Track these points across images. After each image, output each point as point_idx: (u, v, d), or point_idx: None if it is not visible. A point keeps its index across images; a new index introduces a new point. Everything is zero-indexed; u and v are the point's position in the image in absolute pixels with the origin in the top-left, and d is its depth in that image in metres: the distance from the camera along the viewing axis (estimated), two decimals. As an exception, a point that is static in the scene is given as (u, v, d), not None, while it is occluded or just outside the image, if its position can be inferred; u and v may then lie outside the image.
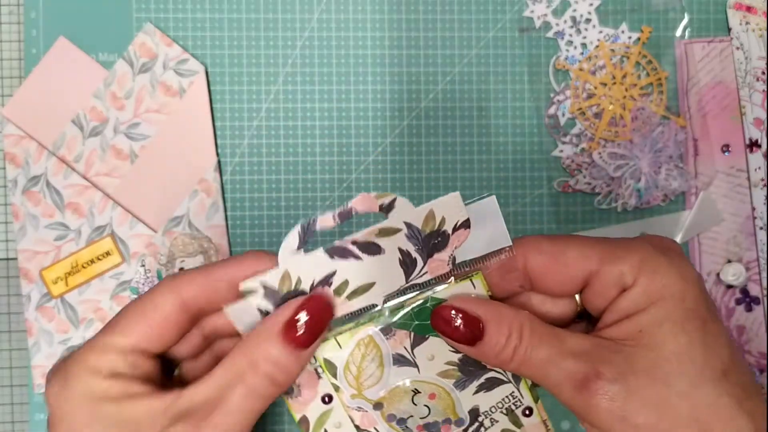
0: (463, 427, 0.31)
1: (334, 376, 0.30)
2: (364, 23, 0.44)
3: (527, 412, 0.31)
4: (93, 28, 0.43)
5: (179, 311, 0.28)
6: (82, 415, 0.27)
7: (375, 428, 0.31)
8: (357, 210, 0.28)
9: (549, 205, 0.44)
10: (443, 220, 0.28)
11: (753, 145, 0.45)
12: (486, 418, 0.31)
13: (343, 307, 0.29)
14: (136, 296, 0.42)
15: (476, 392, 0.30)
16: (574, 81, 0.44)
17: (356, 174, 0.44)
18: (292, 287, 0.28)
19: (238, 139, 0.44)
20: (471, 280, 0.29)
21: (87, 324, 0.43)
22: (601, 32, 0.44)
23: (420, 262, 0.29)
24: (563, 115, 0.44)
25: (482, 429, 0.31)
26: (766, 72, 0.45)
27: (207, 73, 0.43)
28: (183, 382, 0.29)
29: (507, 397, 0.31)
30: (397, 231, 0.28)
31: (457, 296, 0.29)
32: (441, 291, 0.29)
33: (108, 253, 0.43)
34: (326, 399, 0.30)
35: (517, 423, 0.31)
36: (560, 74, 0.44)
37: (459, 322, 0.28)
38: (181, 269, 0.43)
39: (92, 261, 0.43)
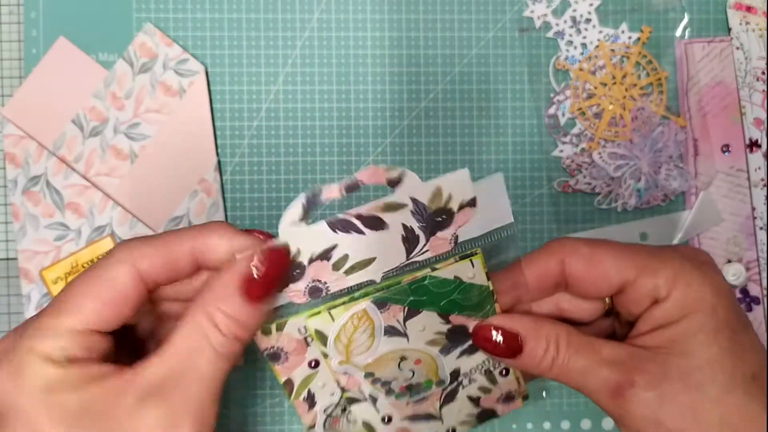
0: (443, 387, 0.31)
1: (324, 344, 0.29)
2: (364, 23, 0.44)
3: (504, 372, 0.32)
4: (93, 28, 0.43)
5: (135, 284, 0.26)
6: (39, 409, 0.25)
7: (359, 389, 0.31)
8: (364, 182, 0.27)
9: (549, 205, 0.44)
10: (450, 198, 0.28)
11: (753, 145, 0.45)
12: (465, 378, 0.32)
13: (339, 281, 0.29)
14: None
15: (459, 356, 0.31)
16: (574, 81, 0.44)
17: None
18: (291, 259, 0.27)
19: (238, 139, 0.44)
20: (471, 261, 0.29)
21: (87, 324, 0.43)
22: (601, 32, 0.44)
23: (422, 239, 0.28)
24: (563, 115, 0.44)
25: (460, 387, 0.32)
26: (766, 72, 0.45)
27: (207, 73, 0.43)
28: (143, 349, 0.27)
29: (487, 359, 0.31)
30: (403, 206, 0.28)
31: (497, 316, 0.29)
32: (440, 269, 0.29)
33: (108, 253, 0.43)
34: (312, 363, 0.30)
35: (493, 380, 0.32)
36: (560, 74, 0.44)
37: (499, 339, 0.29)
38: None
39: (92, 261, 0.43)
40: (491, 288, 0.30)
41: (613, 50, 0.44)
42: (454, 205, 0.28)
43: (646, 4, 0.45)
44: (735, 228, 0.44)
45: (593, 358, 0.27)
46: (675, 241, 0.44)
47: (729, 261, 0.44)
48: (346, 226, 0.27)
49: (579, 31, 0.44)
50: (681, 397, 0.26)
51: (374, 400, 0.31)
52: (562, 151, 0.44)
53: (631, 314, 0.29)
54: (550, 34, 0.44)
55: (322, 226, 0.27)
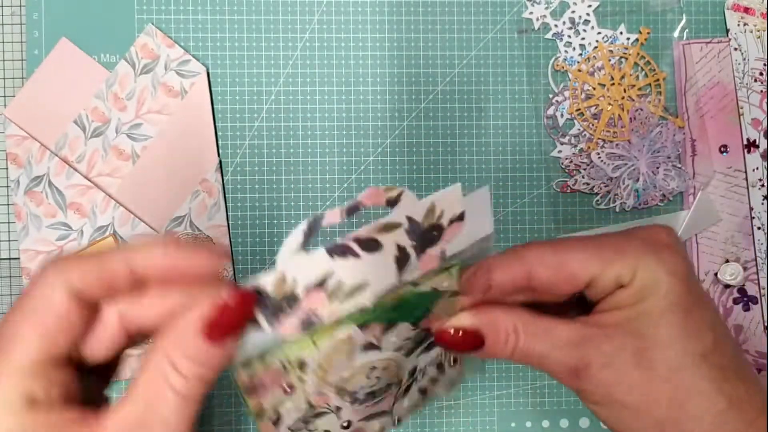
0: (402, 387, 0.32)
1: (303, 371, 0.29)
2: (364, 24, 0.44)
3: (452, 362, 0.33)
4: (95, 29, 0.43)
5: (73, 303, 0.24)
6: None
7: (327, 404, 0.31)
8: (365, 204, 0.27)
9: (548, 205, 0.45)
10: (442, 214, 0.28)
11: (751, 145, 0.45)
12: (420, 373, 0.32)
13: (334, 311, 0.28)
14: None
15: (418, 355, 0.31)
16: (572, 82, 0.44)
17: (356, 174, 0.44)
18: (287, 291, 0.27)
19: (240, 140, 0.44)
20: (449, 271, 0.29)
21: (89, 323, 0.43)
22: (599, 33, 0.45)
23: (413, 258, 0.28)
24: (562, 115, 0.44)
25: (414, 382, 0.32)
26: (763, 72, 0.45)
27: (208, 74, 0.44)
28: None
29: (441, 353, 0.32)
30: (398, 226, 0.28)
31: (456, 317, 0.30)
32: (422, 284, 0.29)
33: (110, 253, 0.43)
34: (287, 389, 0.29)
35: (443, 371, 0.33)
36: (559, 75, 0.45)
37: (460, 336, 0.30)
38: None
39: (94, 261, 0.43)
40: (456, 289, 0.30)
41: (611, 51, 0.45)
42: (444, 221, 0.29)
43: (645, 5, 0.45)
44: (733, 228, 0.45)
45: (550, 342, 0.29)
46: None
47: (727, 260, 0.44)
48: (343, 252, 0.27)
49: (577, 33, 0.44)
50: (633, 374, 0.28)
51: (339, 409, 0.31)
52: (560, 151, 0.44)
53: (595, 298, 0.30)
54: (548, 36, 0.45)
55: (320, 253, 0.27)
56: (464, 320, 0.30)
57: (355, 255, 0.27)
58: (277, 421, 0.30)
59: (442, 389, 0.34)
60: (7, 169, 0.43)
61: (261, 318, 0.27)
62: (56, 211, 0.43)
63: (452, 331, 0.30)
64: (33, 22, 0.43)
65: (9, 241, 0.45)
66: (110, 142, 0.43)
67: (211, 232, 0.43)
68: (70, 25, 0.43)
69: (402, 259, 0.28)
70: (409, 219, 0.28)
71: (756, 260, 0.45)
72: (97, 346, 0.26)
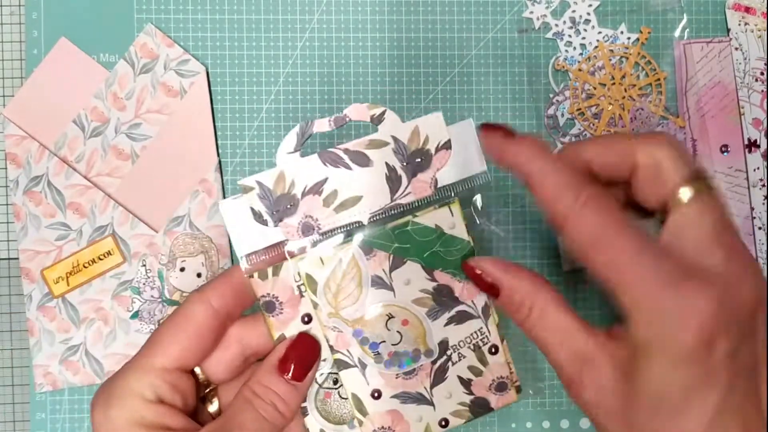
0: (431, 359, 0.32)
1: (314, 292, 0.31)
2: (364, 24, 0.44)
3: (493, 350, 0.33)
4: (94, 28, 0.43)
5: (211, 319, 0.30)
6: None
7: (348, 350, 0.32)
8: (350, 117, 0.31)
9: (548, 205, 0.45)
10: (427, 139, 0.30)
11: (751, 145, 0.45)
12: (454, 352, 0.32)
13: (330, 219, 0.30)
14: (136, 296, 0.43)
15: (447, 324, 0.32)
16: (573, 81, 0.44)
17: (356, 174, 0.44)
18: (286, 190, 0.30)
19: (239, 140, 0.44)
20: (449, 208, 0.31)
21: (88, 323, 0.43)
22: (600, 33, 0.44)
23: (405, 181, 0.31)
24: (562, 115, 0.44)
25: (450, 363, 0.32)
26: (764, 72, 0.45)
27: (208, 73, 0.44)
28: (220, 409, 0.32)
29: (475, 332, 0.32)
30: (385, 144, 0.30)
31: (487, 260, 0.31)
32: (421, 216, 0.31)
33: (109, 253, 0.43)
34: (305, 318, 0.31)
35: (483, 361, 0.32)
36: (559, 75, 0.45)
37: (479, 274, 0.30)
38: (182, 269, 0.43)
39: (93, 261, 0.43)
40: (471, 244, 0.31)
41: (612, 51, 0.44)
42: (431, 147, 0.31)
43: (645, 4, 0.45)
44: (734, 228, 0.45)
45: (557, 342, 0.29)
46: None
47: (728, 261, 0.44)
48: (335, 160, 0.30)
49: (578, 32, 0.44)
50: (620, 414, 0.27)
51: (363, 366, 0.32)
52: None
53: (648, 197, 0.29)
54: (549, 35, 0.44)
55: (314, 158, 0.30)
56: (490, 267, 0.30)
57: (347, 166, 0.30)
58: None
59: (492, 395, 0.33)
60: (6, 168, 0.43)
61: (264, 211, 0.30)
62: (55, 211, 0.43)
63: (475, 270, 0.30)
64: (32, 22, 0.43)
65: (8, 241, 0.44)
66: (109, 142, 0.43)
67: (210, 232, 0.43)
68: (70, 25, 0.43)
69: (393, 180, 0.31)
70: (395, 139, 0.30)
71: (757, 260, 0.44)
72: (218, 366, 0.31)
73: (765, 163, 0.45)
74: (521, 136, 0.29)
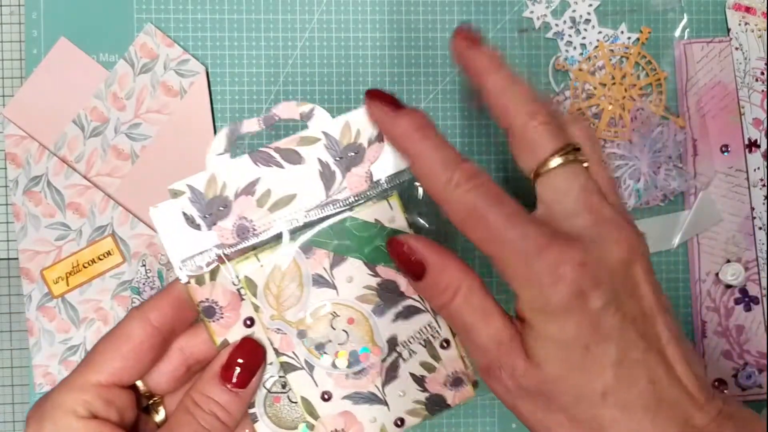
0: (381, 357, 0.31)
1: (255, 295, 0.30)
2: (364, 24, 0.44)
3: (445, 344, 0.32)
4: (94, 28, 0.43)
5: (150, 336, 0.30)
6: None
7: (293, 352, 0.31)
8: (279, 116, 0.30)
9: (548, 205, 0.44)
10: (359, 133, 0.30)
11: (752, 145, 0.45)
12: (404, 348, 0.31)
13: (265, 219, 0.30)
14: (136, 296, 0.43)
15: (394, 320, 0.31)
16: (573, 81, 0.44)
17: (356, 174, 0.44)
18: (218, 192, 0.29)
19: (239, 140, 0.44)
20: (388, 201, 0.30)
21: (88, 324, 0.43)
22: (600, 33, 0.44)
23: (339, 176, 0.30)
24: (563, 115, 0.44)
25: (401, 360, 0.31)
26: (765, 72, 0.45)
27: (208, 73, 0.44)
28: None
29: (425, 327, 0.31)
30: (316, 140, 0.30)
31: (415, 237, 0.30)
32: (359, 211, 0.30)
33: (109, 253, 0.43)
34: (248, 322, 0.30)
35: (435, 356, 0.32)
36: (560, 75, 0.45)
37: (406, 252, 0.29)
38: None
39: (93, 261, 0.43)
40: None
41: (612, 51, 0.44)
42: (363, 141, 0.30)
43: (645, 4, 0.45)
44: (734, 228, 0.45)
45: (478, 328, 0.28)
46: (675, 242, 0.44)
47: (728, 261, 0.44)
48: (266, 159, 0.30)
49: (578, 32, 0.44)
50: (534, 398, 0.27)
51: (311, 367, 0.31)
52: (561, 151, 0.44)
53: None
54: (549, 35, 0.44)
55: (244, 158, 0.30)
56: (419, 244, 0.29)
57: (279, 165, 0.30)
58: None
59: (448, 391, 0.32)
60: (5, 168, 0.43)
61: (196, 215, 0.29)
62: (55, 211, 0.43)
63: (402, 246, 0.29)
64: (32, 22, 0.43)
65: (8, 241, 0.44)
66: (109, 142, 0.43)
67: (210, 232, 0.43)
68: (69, 25, 0.43)
69: (327, 176, 0.30)
70: (326, 135, 0.30)
71: (757, 260, 0.44)
72: (160, 377, 0.31)
73: (765, 163, 0.45)
74: (405, 111, 0.29)
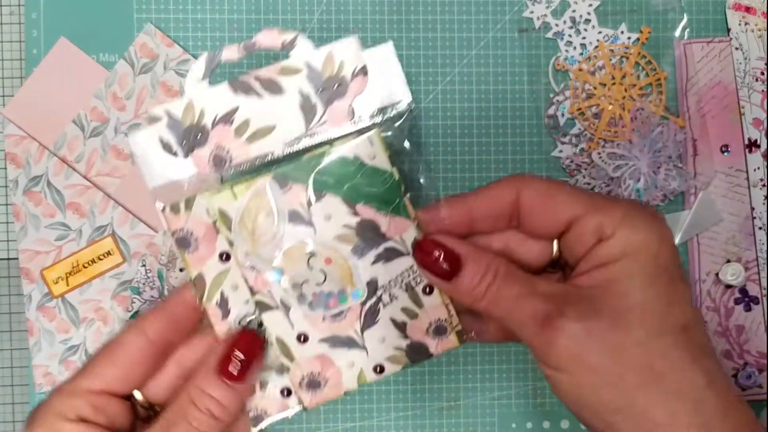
0: (359, 300, 0.30)
1: (229, 229, 0.29)
2: (364, 24, 0.44)
3: (427, 290, 0.30)
4: (94, 28, 0.43)
5: (146, 348, 0.30)
6: None
7: (269, 290, 0.30)
8: (261, 44, 0.29)
9: (548, 205, 0.44)
10: (342, 65, 0.28)
11: (752, 145, 0.45)
12: (385, 292, 0.30)
13: (242, 150, 0.29)
14: (136, 296, 0.43)
15: (374, 262, 0.30)
16: (573, 81, 0.44)
17: (356, 174, 0.44)
18: (195, 120, 0.28)
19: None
20: (368, 137, 0.29)
21: (88, 324, 0.43)
22: (600, 33, 0.44)
23: (320, 109, 0.29)
24: (563, 115, 0.44)
25: (381, 305, 0.30)
26: (765, 72, 0.45)
27: (207, 73, 0.44)
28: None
29: (406, 271, 0.30)
30: (298, 71, 0.28)
31: (439, 234, 0.29)
32: (338, 145, 0.29)
33: (109, 253, 0.43)
34: (223, 256, 0.29)
35: (418, 302, 0.30)
36: (560, 75, 0.45)
37: (438, 254, 0.28)
38: (182, 269, 0.43)
39: (93, 261, 0.43)
40: (396, 177, 0.29)
41: (612, 51, 0.44)
42: (347, 73, 0.29)
43: (645, 4, 0.45)
44: (734, 228, 0.45)
45: (527, 289, 0.27)
46: (675, 242, 0.44)
47: (728, 261, 0.44)
48: (245, 88, 0.28)
49: (578, 32, 0.44)
50: (607, 334, 0.25)
51: (287, 308, 0.30)
52: (561, 151, 0.44)
53: (576, 256, 0.28)
54: (549, 35, 0.44)
55: (223, 86, 0.28)
56: (448, 240, 0.28)
57: (258, 95, 0.28)
58: (225, 308, 0.30)
59: (431, 339, 0.30)
60: (5, 168, 0.43)
61: (173, 141, 0.28)
62: (55, 211, 0.43)
63: (434, 246, 0.28)
64: (32, 22, 0.43)
65: (8, 241, 0.44)
66: (109, 142, 0.43)
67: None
68: (69, 25, 0.43)
69: (307, 108, 0.29)
70: (308, 66, 0.28)
71: (757, 260, 0.44)
72: (158, 389, 0.31)
73: (765, 163, 0.45)
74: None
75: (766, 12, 0.45)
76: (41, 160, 0.43)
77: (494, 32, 0.44)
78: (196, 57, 0.43)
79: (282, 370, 0.30)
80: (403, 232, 0.30)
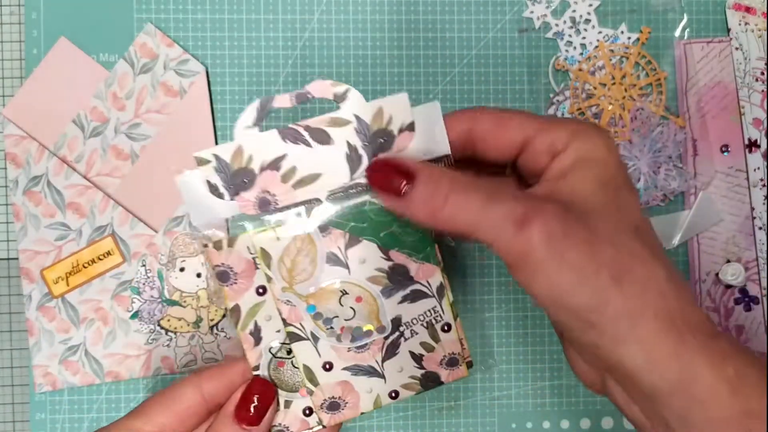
0: (384, 335, 0.32)
1: (269, 266, 0.31)
2: (364, 24, 0.44)
3: (446, 328, 0.33)
4: (94, 28, 0.43)
5: (199, 405, 0.32)
6: None
7: (301, 324, 0.32)
8: (312, 94, 0.30)
9: (548, 205, 0.44)
10: (390, 120, 0.30)
11: (752, 145, 0.45)
12: (407, 328, 0.32)
13: (288, 195, 0.30)
14: (136, 296, 0.43)
15: (401, 302, 0.32)
16: (573, 81, 0.44)
17: (356, 174, 0.44)
18: (243, 164, 0.29)
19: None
20: None
21: (88, 324, 0.43)
22: (600, 33, 0.44)
23: (365, 161, 0.30)
24: (563, 115, 0.44)
25: (402, 339, 0.32)
26: (765, 72, 0.45)
27: (207, 73, 0.44)
28: None
29: (429, 310, 0.32)
30: (347, 123, 0.30)
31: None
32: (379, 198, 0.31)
33: (109, 253, 0.43)
34: (260, 290, 0.31)
35: (436, 337, 0.32)
36: (560, 75, 0.45)
37: (391, 165, 0.29)
38: (182, 269, 0.43)
39: (93, 261, 0.43)
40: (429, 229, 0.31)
41: (612, 51, 0.44)
42: (394, 128, 0.30)
43: (645, 4, 0.45)
44: (734, 228, 0.45)
45: (496, 193, 0.27)
46: (675, 242, 0.44)
47: (728, 261, 0.44)
48: (294, 137, 0.29)
49: (578, 32, 0.44)
50: (580, 233, 0.26)
51: (316, 339, 0.32)
52: (561, 151, 0.44)
53: (534, 175, 0.29)
54: (549, 35, 0.44)
55: (273, 133, 0.29)
56: (399, 158, 0.29)
57: (307, 144, 0.30)
58: (257, 336, 0.32)
59: (443, 370, 0.33)
60: (5, 168, 0.43)
61: (220, 184, 0.29)
62: (55, 211, 0.43)
63: (384, 162, 0.29)
64: (32, 22, 0.43)
65: (8, 241, 0.44)
66: (109, 142, 0.43)
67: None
68: (69, 25, 0.43)
69: (353, 159, 0.30)
70: (357, 118, 0.30)
71: (757, 260, 0.44)
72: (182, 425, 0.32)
73: (765, 163, 0.45)
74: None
75: (766, 12, 0.45)
76: (41, 160, 0.43)
77: (494, 32, 0.44)
78: (196, 57, 0.43)
79: (306, 393, 0.33)
80: (430, 277, 0.32)
